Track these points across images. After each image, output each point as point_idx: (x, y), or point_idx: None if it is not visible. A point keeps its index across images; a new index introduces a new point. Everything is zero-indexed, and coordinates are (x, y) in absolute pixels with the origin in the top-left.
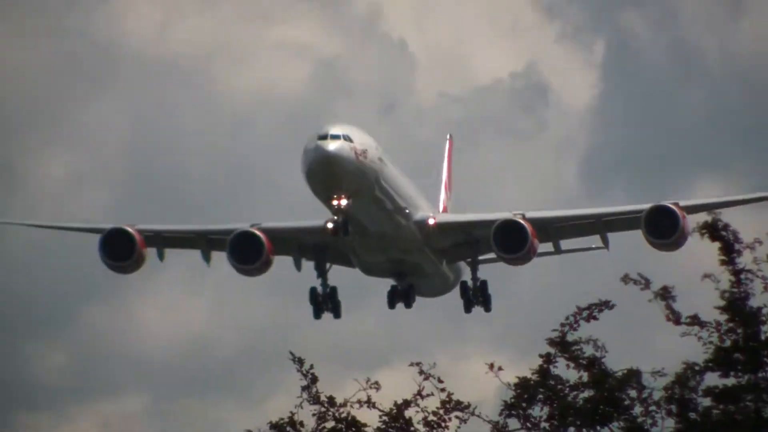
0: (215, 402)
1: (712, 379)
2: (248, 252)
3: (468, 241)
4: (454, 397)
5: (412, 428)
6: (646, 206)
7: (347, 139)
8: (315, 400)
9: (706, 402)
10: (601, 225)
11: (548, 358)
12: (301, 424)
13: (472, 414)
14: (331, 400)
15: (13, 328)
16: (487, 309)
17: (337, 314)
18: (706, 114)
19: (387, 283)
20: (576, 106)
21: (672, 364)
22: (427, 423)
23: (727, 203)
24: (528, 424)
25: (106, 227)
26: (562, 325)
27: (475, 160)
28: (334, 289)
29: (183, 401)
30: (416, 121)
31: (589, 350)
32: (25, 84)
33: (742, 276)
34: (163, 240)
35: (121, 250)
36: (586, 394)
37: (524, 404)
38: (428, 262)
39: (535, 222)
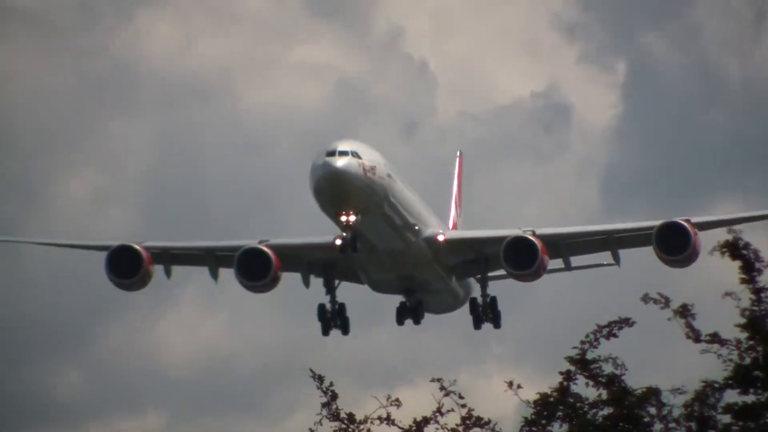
0: (231, 421)
1: (732, 396)
2: (256, 269)
3: (478, 257)
4: (474, 414)
5: None
6: (657, 223)
7: (355, 155)
8: (335, 417)
9: (726, 419)
10: (612, 241)
11: (568, 376)
12: None
13: (493, 430)
14: (350, 417)
15: (24, 345)
16: (497, 325)
17: (345, 331)
18: (726, 134)
19: (396, 300)
20: (597, 126)
21: (692, 381)
22: None
23: (739, 220)
24: None
25: (113, 244)
26: (582, 342)
27: (496, 179)
28: (342, 306)
29: (198, 420)
30: (437, 141)
31: (608, 368)
32: (47, 103)
33: (763, 294)
34: (170, 257)
35: (127, 267)
36: (606, 411)
37: (544, 421)
38: (437, 278)
39: (546, 238)
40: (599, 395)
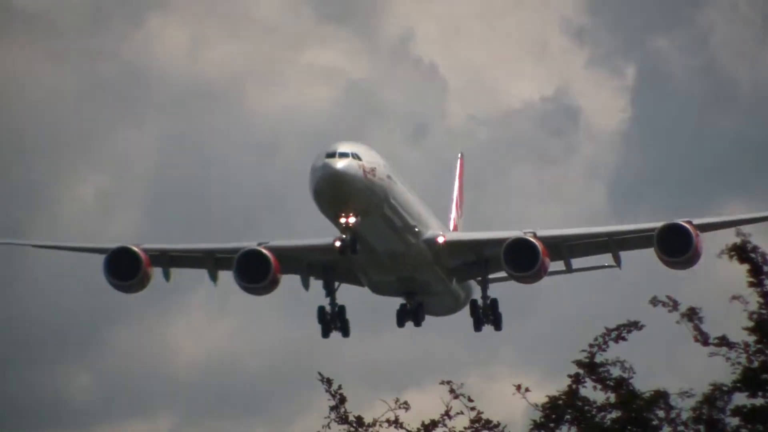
0: (234, 424)
1: (740, 399)
2: (255, 271)
3: (478, 259)
4: (483, 417)
5: None
6: (659, 224)
7: (355, 157)
8: (343, 420)
9: (735, 422)
10: (613, 243)
11: (577, 379)
12: None
13: None
14: (359, 421)
15: (23, 348)
16: (498, 328)
17: (345, 333)
18: (734, 138)
19: (396, 302)
20: (605, 129)
21: (700, 384)
22: None
23: (741, 221)
24: None
25: (111, 246)
26: (591, 345)
27: (504, 183)
28: (342, 308)
29: (201, 424)
30: (446, 144)
31: (616, 372)
32: (55, 107)
33: None
34: (169, 259)
35: (126, 269)
36: (614, 415)
37: (552, 425)
38: (438, 280)
39: (546, 240)
40: (607, 399)
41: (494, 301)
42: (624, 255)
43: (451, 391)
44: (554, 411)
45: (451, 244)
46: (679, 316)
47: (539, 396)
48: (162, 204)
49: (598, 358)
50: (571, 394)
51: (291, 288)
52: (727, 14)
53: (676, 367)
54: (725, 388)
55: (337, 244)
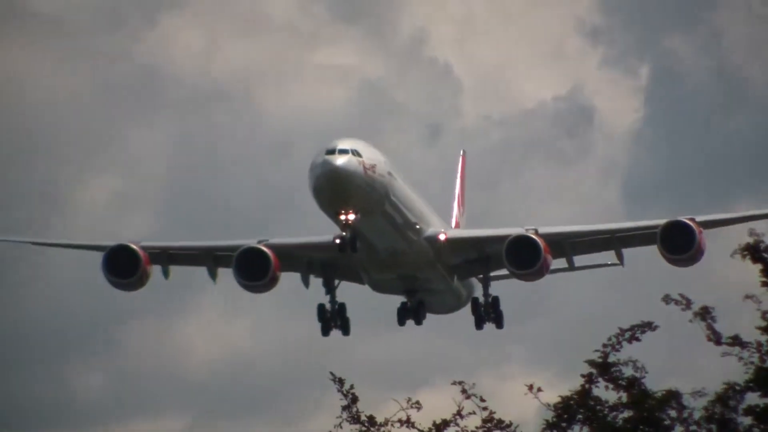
0: (237, 424)
1: (753, 398)
2: (255, 269)
3: (480, 257)
4: (494, 417)
5: None
6: (662, 221)
7: (355, 153)
8: (355, 419)
9: (747, 421)
10: (616, 241)
11: (590, 379)
12: None
13: None
14: (371, 420)
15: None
16: (499, 326)
17: (346, 331)
18: (748, 138)
19: (397, 300)
20: (619, 129)
21: (712, 384)
22: None
23: (743, 218)
24: None
25: (110, 244)
26: (605, 345)
27: (518, 182)
28: (342, 306)
29: (205, 424)
30: (460, 144)
31: (628, 371)
32: (69, 108)
33: None
34: (168, 257)
35: (125, 267)
36: (626, 414)
37: (564, 424)
38: (439, 278)
39: (548, 237)
40: (619, 398)
41: (496, 299)
42: (627, 253)
43: (463, 391)
44: (566, 411)
45: (452, 242)
46: (692, 315)
47: (549, 396)
48: (174, 204)
49: (611, 358)
50: (584, 393)
51: (291, 286)
52: (741, 14)
53: (688, 367)
54: (738, 388)
55: (337, 241)
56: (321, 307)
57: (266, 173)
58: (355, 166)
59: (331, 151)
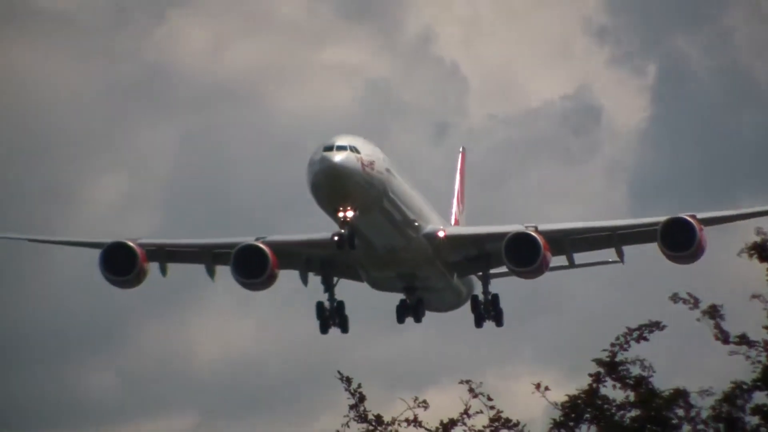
0: (237, 423)
1: (760, 398)
2: (253, 266)
3: (479, 254)
4: (501, 416)
5: None
6: (662, 219)
7: (354, 150)
8: (362, 418)
9: (755, 420)
10: (616, 238)
11: (597, 378)
12: None
13: None
14: (378, 419)
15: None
16: (499, 324)
17: (344, 329)
18: (756, 137)
19: (395, 297)
20: (626, 128)
21: (720, 383)
22: None
23: (744, 215)
24: None
25: (107, 241)
26: (612, 345)
27: (525, 181)
28: (341, 304)
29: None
30: (467, 143)
31: (635, 370)
32: (77, 106)
33: None
34: (166, 254)
35: (122, 264)
36: (633, 413)
37: (572, 423)
38: (439, 275)
39: (548, 234)
40: (627, 397)
41: (495, 297)
42: (629, 250)
43: (471, 390)
44: (574, 410)
45: (451, 239)
46: (700, 314)
47: (554, 395)
48: (178, 202)
49: (618, 357)
50: (591, 392)
51: (289, 283)
52: (749, 13)
53: (695, 366)
54: (745, 387)
55: (335, 239)
56: (320, 305)
57: (273, 172)
58: (354, 163)
59: (329, 148)
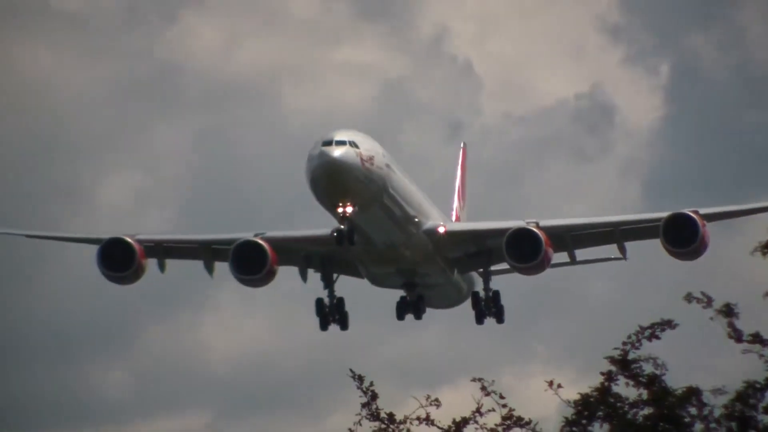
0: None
1: None
2: (251, 262)
3: (480, 250)
4: (513, 414)
5: None
6: (665, 214)
7: (353, 145)
8: (375, 417)
9: (767, 419)
10: (618, 234)
11: (609, 376)
12: None
13: (533, 431)
14: (390, 417)
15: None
16: (500, 320)
17: (344, 326)
18: None
19: (396, 294)
20: (640, 127)
21: (733, 381)
22: None
23: (747, 211)
24: None
25: (105, 237)
26: (624, 343)
27: (539, 179)
28: (341, 300)
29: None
30: (481, 142)
31: (648, 368)
32: (90, 105)
33: None
34: (164, 251)
35: (120, 260)
36: (646, 411)
37: (584, 421)
38: (439, 272)
39: (550, 230)
40: (639, 395)
41: (496, 294)
42: (632, 248)
43: (483, 388)
44: (586, 408)
45: (452, 235)
46: (714, 313)
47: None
48: (190, 200)
49: (631, 355)
50: (604, 390)
51: (289, 280)
52: (762, 12)
53: (709, 364)
54: (758, 386)
55: (335, 234)
56: (319, 302)
57: (286, 170)
58: (353, 158)
59: (329, 143)
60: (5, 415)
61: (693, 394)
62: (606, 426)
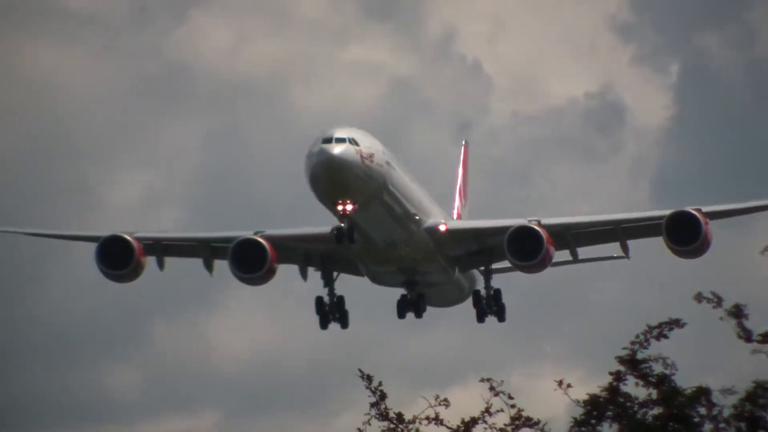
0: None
1: None
2: (251, 260)
3: (481, 248)
4: (522, 414)
5: None
6: (667, 212)
7: (353, 142)
8: (383, 416)
9: None
10: (621, 232)
11: (618, 376)
12: None
13: (542, 431)
14: (399, 417)
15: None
16: (501, 319)
17: (344, 324)
18: None
19: (396, 293)
20: (650, 126)
21: (742, 381)
22: None
23: (751, 209)
24: None
25: (104, 235)
26: (633, 343)
27: (549, 179)
28: (341, 299)
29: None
30: (491, 141)
31: (658, 368)
32: (100, 104)
33: None
34: (163, 248)
35: (118, 258)
36: (656, 411)
37: (593, 421)
38: (440, 270)
39: (551, 228)
40: (649, 395)
41: (497, 292)
42: (634, 246)
43: (491, 388)
44: (596, 408)
45: (453, 233)
46: (723, 313)
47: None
48: (199, 199)
49: (640, 355)
50: (612, 390)
51: (289, 278)
52: None
53: (719, 364)
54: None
55: (334, 232)
56: (319, 300)
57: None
58: (353, 155)
59: (328, 140)
60: (6, 415)
61: (702, 394)
62: (615, 426)
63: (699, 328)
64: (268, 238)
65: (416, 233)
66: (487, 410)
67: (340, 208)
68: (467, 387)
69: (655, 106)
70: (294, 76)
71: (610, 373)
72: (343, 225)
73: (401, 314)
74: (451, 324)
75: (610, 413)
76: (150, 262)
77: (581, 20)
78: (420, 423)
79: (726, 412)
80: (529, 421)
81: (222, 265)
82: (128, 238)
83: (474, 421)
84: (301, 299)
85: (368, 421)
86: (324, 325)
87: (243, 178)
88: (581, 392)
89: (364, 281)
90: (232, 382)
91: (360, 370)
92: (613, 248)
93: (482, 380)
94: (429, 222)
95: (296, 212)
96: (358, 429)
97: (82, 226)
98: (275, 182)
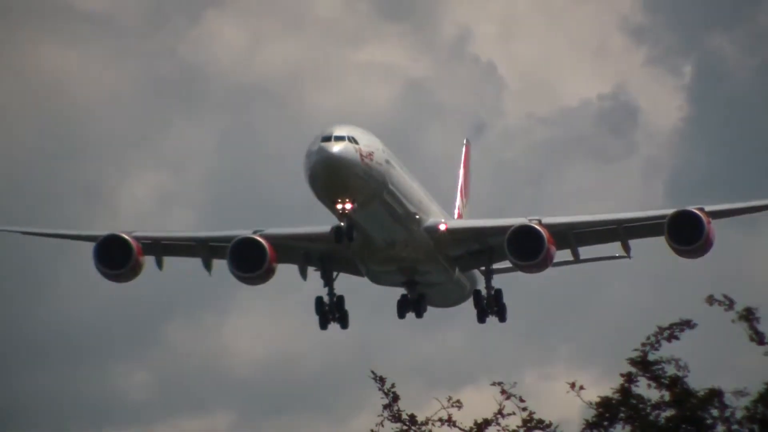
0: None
1: None
2: (250, 260)
3: (482, 248)
4: (534, 416)
5: None
6: (669, 211)
7: (352, 140)
8: (396, 418)
9: None
10: (623, 231)
11: (629, 378)
12: None
13: None
14: (412, 419)
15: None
16: (502, 319)
17: (344, 324)
18: None
19: (396, 292)
20: (663, 128)
21: (755, 383)
22: None
23: (754, 208)
24: None
25: (102, 234)
26: (643, 344)
27: (562, 180)
28: (341, 299)
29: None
30: (504, 142)
31: (670, 370)
32: (114, 105)
33: None
34: (161, 248)
35: (117, 257)
36: (668, 413)
37: (606, 423)
38: (440, 270)
39: (552, 228)
40: (661, 397)
41: (498, 292)
42: (635, 245)
43: (503, 392)
44: (608, 410)
45: (453, 232)
46: (735, 316)
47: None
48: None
49: (653, 357)
50: (624, 392)
51: (288, 278)
52: None
53: (731, 366)
54: None
55: (334, 232)
56: (319, 300)
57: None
58: (352, 154)
59: (327, 138)
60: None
61: (715, 395)
62: (628, 428)
63: (709, 330)
64: (267, 237)
65: (416, 232)
66: (500, 412)
67: (339, 206)
68: (474, 388)
69: (669, 108)
70: (308, 77)
71: (622, 375)
72: (342, 224)
73: (401, 314)
74: (451, 324)
75: (622, 415)
76: (149, 261)
77: (594, 22)
78: (433, 425)
79: (738, 414)
80: (541, 424)
81: (221, 265)
82: (126, 237)
83: (487, 423)
84: (301, 299)
85: (381, 422)
86: (324, 325)
87: (255, 178)
88: (591, 394)
89: (364, 281)
90: (231, 383)
91: (372, 371)
92: (614, 248)
93: (494, 384)
94: (429, 221)
95: (307, 213)
96: (372, 431)
97: (83, 226)
98: (288, 183)
